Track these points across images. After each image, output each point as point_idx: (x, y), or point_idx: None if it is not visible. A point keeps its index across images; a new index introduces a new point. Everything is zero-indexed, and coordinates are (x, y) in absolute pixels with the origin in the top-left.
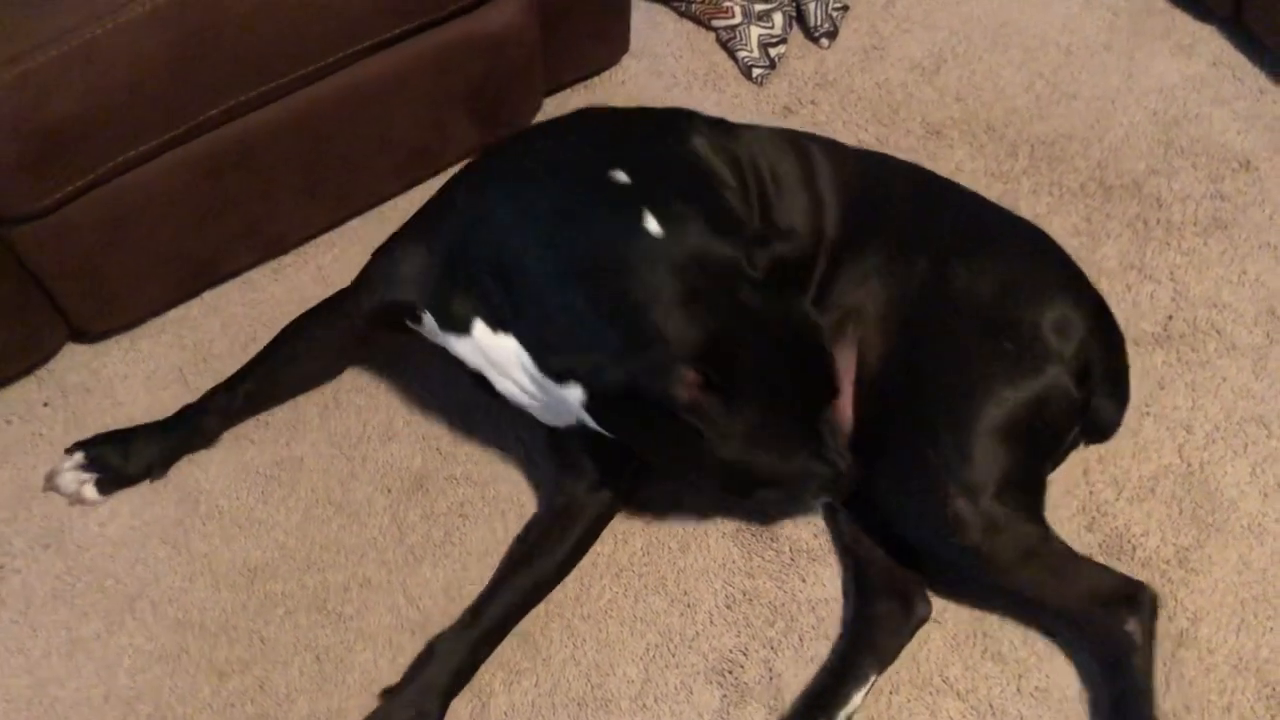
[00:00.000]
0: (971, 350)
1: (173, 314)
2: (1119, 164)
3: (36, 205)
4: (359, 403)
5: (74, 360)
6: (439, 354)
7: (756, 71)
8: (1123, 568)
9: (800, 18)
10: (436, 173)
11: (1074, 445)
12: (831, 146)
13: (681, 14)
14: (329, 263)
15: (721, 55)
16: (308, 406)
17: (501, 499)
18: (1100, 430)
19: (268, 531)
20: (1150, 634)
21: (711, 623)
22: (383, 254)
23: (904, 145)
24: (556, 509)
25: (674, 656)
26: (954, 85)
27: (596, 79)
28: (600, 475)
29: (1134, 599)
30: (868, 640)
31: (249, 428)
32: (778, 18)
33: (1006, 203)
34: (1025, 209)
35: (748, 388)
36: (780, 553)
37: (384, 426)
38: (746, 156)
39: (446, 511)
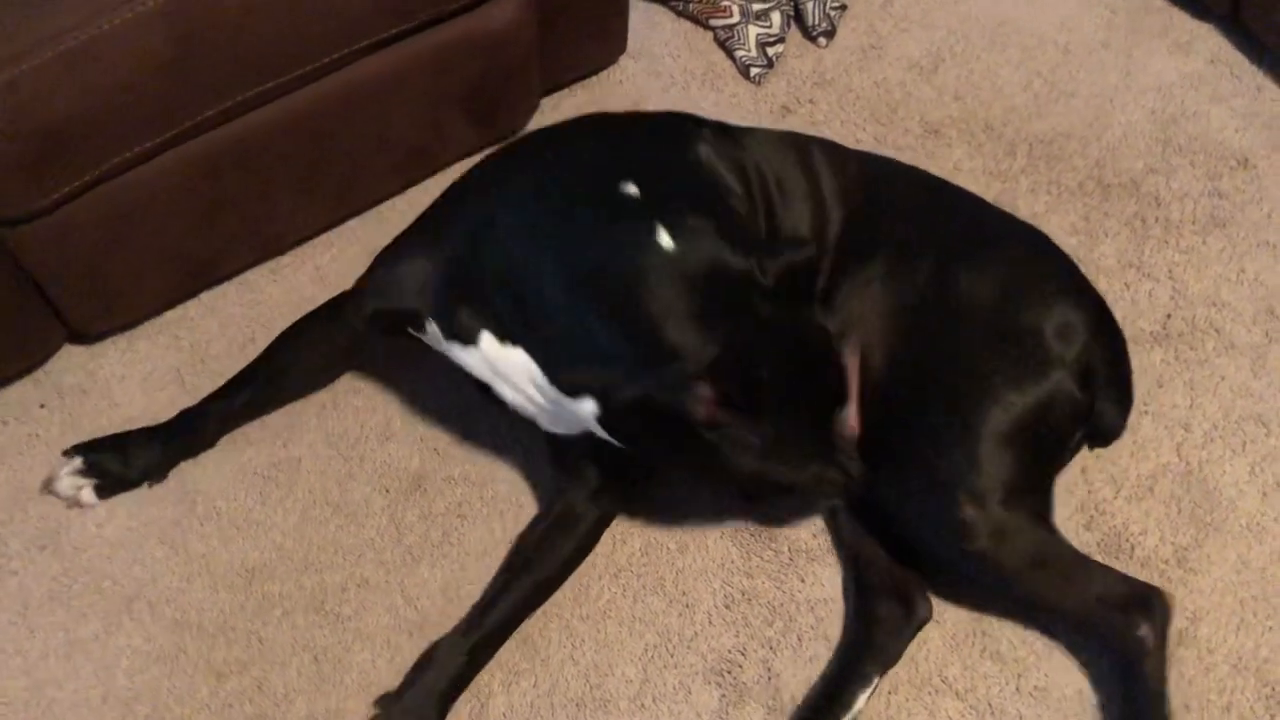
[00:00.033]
0: (975, 356)
1: (170, 315)
2: (1117, 162)
3: (34, 205)
4: (356, 403)
5: (71, 361)
6: (438, 357)
7: (754, 71)
8: (1121, 567)
9: (798, 17)
10: (434, 172)
11: (1078, 449)
12: (832, 149)
13: (679, 13)
14: (327, 263)
15: (719, 55)
16: (305, 407)
17: (499, 499)
18: (1104, 434)
19: (265, 532)
20: (1163, 638)
21: (710, 623)
22: (386, 259)
23: (902, 144)
24: (556, 513)
25: (672, 657)
26: (952, 84)
27: (594, 79)
28: (601, 480)
29: (1147, 603)
30: (869, 642)
31: (247, 428)
32: (776, 17)
33: (1005, 201)
34: (1023, 208)
35: (763, 400)
36: (779, 553)
37: (382, 427)
38: (751, 163)
39: (444, 512)
